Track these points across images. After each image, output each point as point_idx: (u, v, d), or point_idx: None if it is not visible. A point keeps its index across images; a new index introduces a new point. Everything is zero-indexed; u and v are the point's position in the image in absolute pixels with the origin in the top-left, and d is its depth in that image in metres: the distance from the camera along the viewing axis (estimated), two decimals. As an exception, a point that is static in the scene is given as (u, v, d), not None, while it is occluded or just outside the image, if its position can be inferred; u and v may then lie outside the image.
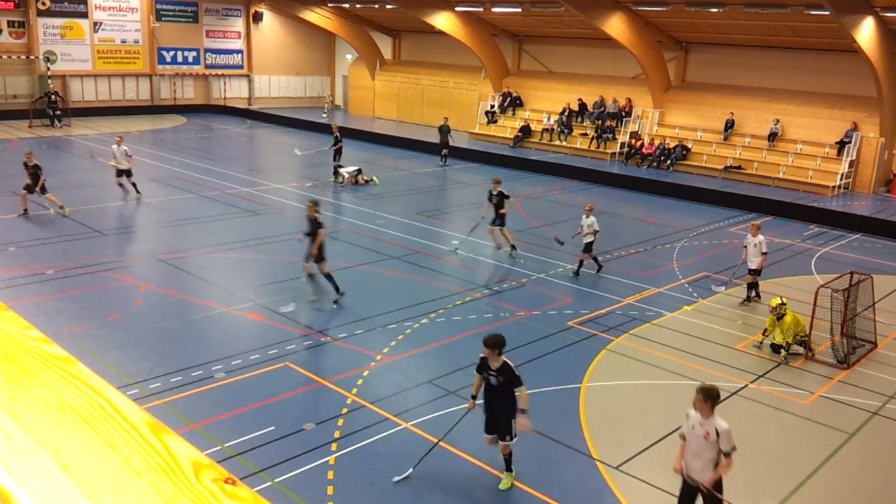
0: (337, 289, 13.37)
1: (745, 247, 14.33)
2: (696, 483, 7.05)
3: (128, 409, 0.99)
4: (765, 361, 11.85)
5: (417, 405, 9.91)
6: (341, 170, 24.60)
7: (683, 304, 14.27)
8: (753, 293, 14.50)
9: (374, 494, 7.95)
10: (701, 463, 7.00)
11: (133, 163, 20.82)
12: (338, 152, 24.94)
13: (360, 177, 24.62)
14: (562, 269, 16.18)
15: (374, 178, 25.10)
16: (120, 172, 20.54)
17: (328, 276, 13.29)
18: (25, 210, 18.63)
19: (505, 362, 7.96)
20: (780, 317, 11.92)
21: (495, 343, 7.93)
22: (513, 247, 16.70)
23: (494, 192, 16.61)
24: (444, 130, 29.20)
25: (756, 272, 14.24)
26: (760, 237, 14.12)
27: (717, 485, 7.04)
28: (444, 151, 29.30)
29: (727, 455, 6.96)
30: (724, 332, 13.02)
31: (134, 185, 20.78)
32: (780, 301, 12.00)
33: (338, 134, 24.96)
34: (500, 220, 16.63)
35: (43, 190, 18.58)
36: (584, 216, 15.36)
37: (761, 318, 13.27)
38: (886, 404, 10.60)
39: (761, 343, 12.32)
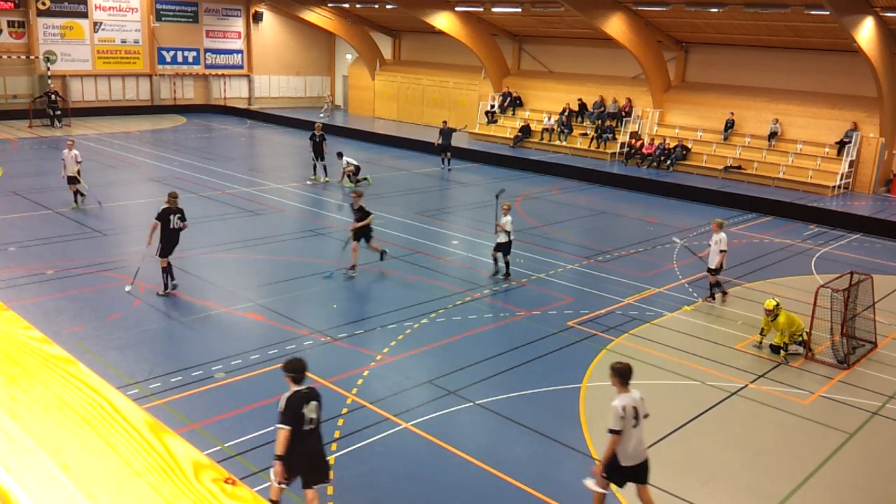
0: (166, 286, 13.43)
1: (710, 245, 14.13)
2: None
3: (128, 409, 0.99)
4: (765, 361, 11.85)
5: (417, 405, 9.91)
6: (343, 158, 24.31)
7: (683, 304, 14.27)
8: (718, 291, 14.33)
9: (374, 494, 7.95)
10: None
11: (79, 169, 19.39)
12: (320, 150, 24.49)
13: (355, 176, 24.29)
14: (562, 268, 16.19)
15: (368, 178, 24.83)
16: (71, 179, 19.34)
17: (163, 270, 13.39)
18: None
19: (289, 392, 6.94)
20: (774, 317, 11.91)
21: (293, 368, 7.02)
22: (383, 252, 15.37)
23: (355, 207, 15.08)
24: (446, 133, 28.10)
25: (714, 271, 14.04)
26: (722, 235, 13.93)
27: (609, 465, 7.36)
28: (448, 154, 28.29)
29: (609, 432, 7.23)
30: (724, 332, 13.02)
31: (76, 192, 19.56)
32: (775, 304, 11.95)
33: (322, 133, 24.58)
34: (362, 235, 15.11)
35: None
36: (501, 214, 14.68)
37: (760, 317, 13.25)
38: (886, 404, 10.60)
39: (760, 343, 12.32)
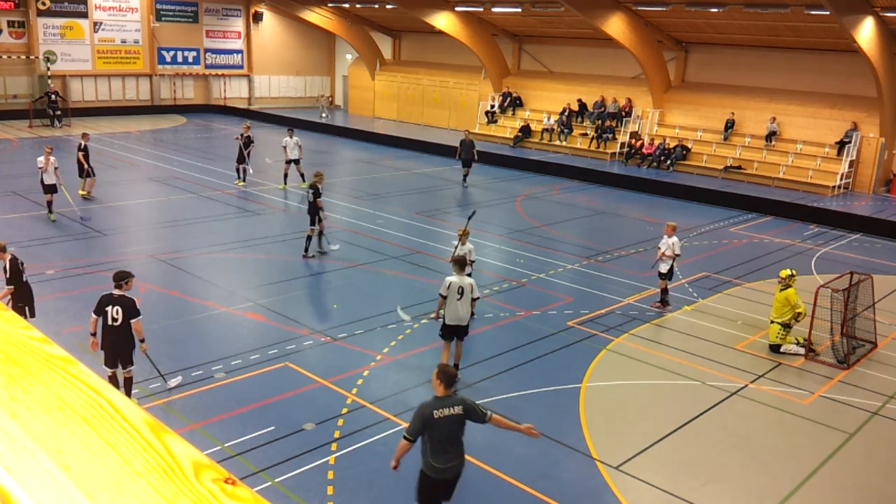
0: (306, 250, 15.32)
1: (660, 248, 13.65)
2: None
3: (128, 409, 0.98)
4: (765, 361, 11.86)
5: (417, 405, 9.90)
6: (293, 137, 22.90)
7: (683, 304, 14.26)
8: (664, 297, 13.87)
9: (374, 494, 7.95)
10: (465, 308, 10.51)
11: (60, 179, 18.27)
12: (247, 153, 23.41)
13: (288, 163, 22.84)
14: (562, 268, 16.19)
15: (283, 185, 23.32)
16: (49, 188, 18.08)
17: (308, 238, 14.73)
18: None
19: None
20: (784, 287, 12.10)
21: (114, 277, 9.24)
22: None
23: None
24: (468, 145, 24.87)
25: (666, 276, 13.62)
26: (675, 239, 13.50)
27: (442, 325, 10.78)
28: (466, 170, 25.22)
29: (439, 295, 10.59)
30: (724, 332, 13.02)
31: (49, 203, 18.27)
32: (790, 273, 12.17)
33: (249, 134, 23.49)
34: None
35: None
36: (458, 242, 13.16)
37: (760, 317, 13.26)
38: (886, 404, 10.60)
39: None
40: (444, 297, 10.40)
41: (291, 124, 38.81)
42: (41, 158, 18.20)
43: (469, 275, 12.90)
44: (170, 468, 0.89)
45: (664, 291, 13.84)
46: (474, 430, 9.46)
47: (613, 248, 18.03)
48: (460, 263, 10.56)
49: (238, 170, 23.74)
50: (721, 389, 10.76)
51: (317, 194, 15.69)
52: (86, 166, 20.50)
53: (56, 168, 18.24)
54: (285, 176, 23.23)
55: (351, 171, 28.04)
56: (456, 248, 13.09)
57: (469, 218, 13.86)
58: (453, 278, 10.40)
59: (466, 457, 8.79)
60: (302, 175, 23.08)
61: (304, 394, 10.09)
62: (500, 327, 12.82)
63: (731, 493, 8.31)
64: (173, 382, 9.98)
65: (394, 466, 7.04)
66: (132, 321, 9.05)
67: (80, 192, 20.68)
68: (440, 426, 6.79)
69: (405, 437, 6.89)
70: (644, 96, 31.67)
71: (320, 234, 16.13)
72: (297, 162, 22.90)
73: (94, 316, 9.11)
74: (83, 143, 20.64)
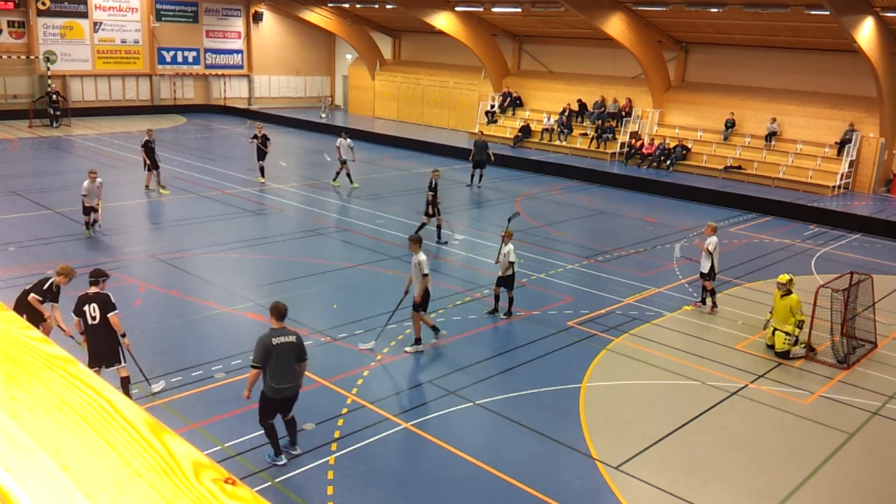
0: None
1: (700, 243, 13.85)
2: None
3: (128, 409, 0.98)
4: (765, 361, 11.85)
5: (417, 405, 9.92)
6: (346, 139, 23.83)
7: (683, 304, 14.26)
8: (711, 298, 13.89)
9: (374, 494, 7.95)
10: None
11: (101, 198, 17.42)
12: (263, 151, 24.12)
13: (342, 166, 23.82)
14: (562, 268, 16.19)
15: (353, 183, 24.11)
16: (89, 209, 17.18)
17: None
18: None
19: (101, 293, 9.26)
20: (786, 293, 12.03)
21: (91, 273, 9.45)
22: None
23: None
24: (481, 146, 25.11)
25: (706, 276, 13.63)
26: (714, 238, 13.54)
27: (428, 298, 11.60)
28: (481, 171, 25.18)
29: (424, 276, 11.37)
30: (724, 332, 13.02)
31: (95, 222, 17.43)
32: (789, 278, 12.10)
33: (265, 133, 24.23)
34: None
35: None
36: (502, 243, 13.11)
37: (761, 318, 13.26)
38: (886, 404, 10.60)
39: (767, 322, 12.36)
40: (427, 275, 11.40)
41: (292, 124, 38.99)
42: (86, 184, 16.88)
43: (512, 275, 13.19)
44: (170, 468, 0.89)
45: (712, 292, 13.84)
46: (472, 427, 9.48)
47: (613, 248, 18.03)
48: (416, 240, 11.65)
49: (261, 168, 24.48)
50: (721, 389, 10.76)
51: (432, 189, 17.56)
52: (148, 161, 21.86)
53: (100, 188, 17.32)
54: (342, 174, 23.92)
55: (351, 172, 28.03)
56: (500, 249, 13.03)
57: (510, 220, 14.20)
58: (422, 256, 11.44)
59: (466, 457, 8.81)
60: (349, 176, 23.76)
61: (304, 394, 10.06)
62: (500, 327, 12.82)
63: (731, 493, 8.31)
64: (157, 387, 9.90)
65: (246, 396, 8.30)
66: (109, 315, 9.10)
67: (146, 186, 22.13)
68: (278, 352, 8.06)
69: (253, 366, 8.13)
70: (644, 96, 31.67)
71: (438, 226, 17.84)
72: (344, 162, 23.65)
73: (75, 317, 9.26)
74: (149, 139, 21.85)
